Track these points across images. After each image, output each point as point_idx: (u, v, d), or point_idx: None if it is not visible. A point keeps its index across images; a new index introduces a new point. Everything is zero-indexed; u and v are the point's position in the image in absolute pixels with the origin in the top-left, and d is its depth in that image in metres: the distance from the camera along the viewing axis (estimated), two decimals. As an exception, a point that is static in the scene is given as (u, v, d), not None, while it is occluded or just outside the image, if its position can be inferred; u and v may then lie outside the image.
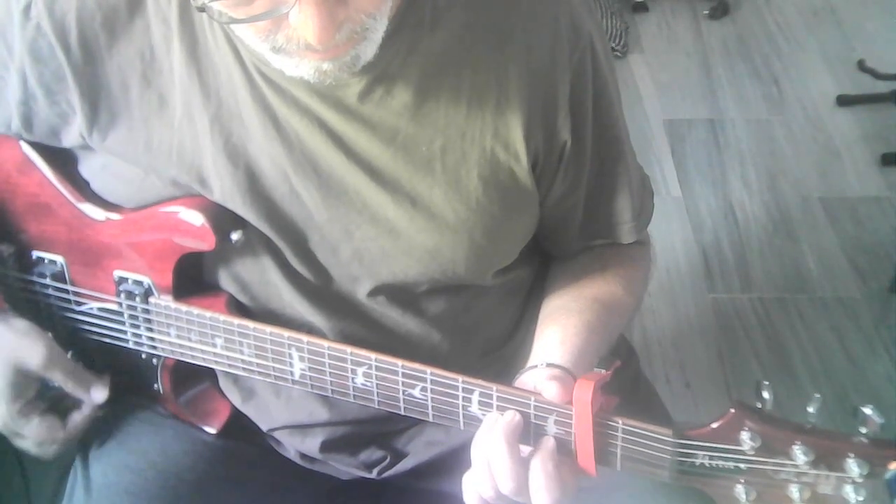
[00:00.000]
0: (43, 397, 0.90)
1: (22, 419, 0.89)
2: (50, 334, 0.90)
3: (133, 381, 0.96)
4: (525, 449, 0.76)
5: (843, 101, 2.60)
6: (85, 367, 0.93)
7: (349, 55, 0.71)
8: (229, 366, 0.88)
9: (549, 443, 0.75)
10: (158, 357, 0.93)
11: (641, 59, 2.80)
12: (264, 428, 0.98)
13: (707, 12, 2.96)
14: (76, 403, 0.92)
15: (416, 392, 0.80)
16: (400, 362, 0.80)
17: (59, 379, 0.89)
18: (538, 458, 0.74)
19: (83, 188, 0.89)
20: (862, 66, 2.70)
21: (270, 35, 0.70)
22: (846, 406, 1.81)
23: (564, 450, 0.75)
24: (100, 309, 0.92)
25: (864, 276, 2.12)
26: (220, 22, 0.74)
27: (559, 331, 0.85)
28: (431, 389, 0.79)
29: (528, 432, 0.76)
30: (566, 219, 0.93)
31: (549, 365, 0.80)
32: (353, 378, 0.82)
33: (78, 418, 0.92)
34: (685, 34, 2.91)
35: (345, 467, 1.00)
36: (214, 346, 0.87)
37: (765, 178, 2.38)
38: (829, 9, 2.99)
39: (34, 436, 0.90)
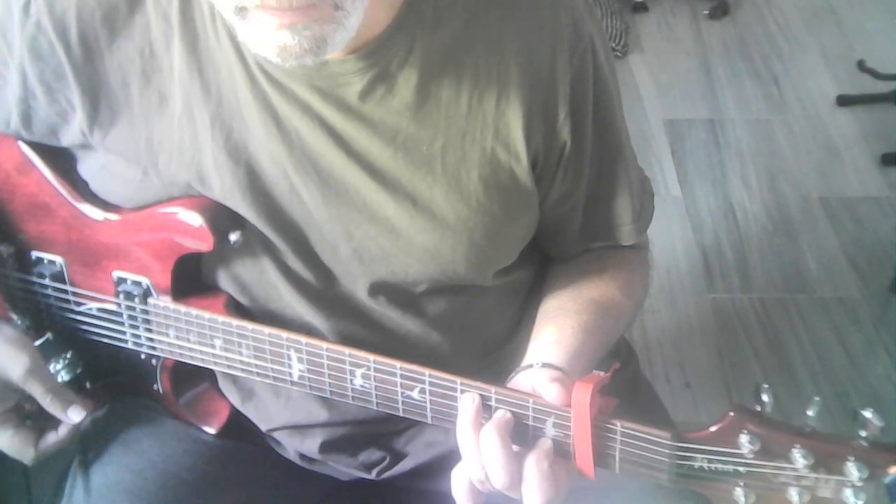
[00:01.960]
0: (22, 411, 0.88)
1: None
2: (38, 347, 0.89)
3: (133, 382, 0.97)
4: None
5: (843, 101, 2.60)
6: (77, 378, 0.92)
7: (310, 30, 0.68)
8: (228, 367, 0.88)
9: (546, 443, 0.75)
10: (158, 357, 0.93)
11: (641, 59, 2.80)
12: (264, 428, 0.98)
13: (707, 12, 2.96)
14: (54, 424, 0.89)
15: (415, 394, 0.80)
16: (398, 364, 0.79)
17: (37, 394, 0.86)
18: (533, 455, 0.74)
19: (82, 188, 0.89)
20: (862, 66, 2.69)
21: None
22: (846, 406, 1.81)
23: (563, 452, 0.75)
24: (99, 309, 0.92)
25: (864, 276, 2.11)
26: None
27: (555, 331, 0.85)
28: (430, 391, 0.79)
29: (527, 434, 0.75)
30: (566, 220, 0.93)
31: (544, 365, 0.80)
32: (351, 380, 0.82)
33: (52, 440, 0.88)
34: (685, 34, 2.91)
35: (344, 468, 1.00)
36: (213, 346, 0.87)
37: (765, 178, 2.38)
38: (829, 9, 2.99)
39: (4, 446, 0.87)
